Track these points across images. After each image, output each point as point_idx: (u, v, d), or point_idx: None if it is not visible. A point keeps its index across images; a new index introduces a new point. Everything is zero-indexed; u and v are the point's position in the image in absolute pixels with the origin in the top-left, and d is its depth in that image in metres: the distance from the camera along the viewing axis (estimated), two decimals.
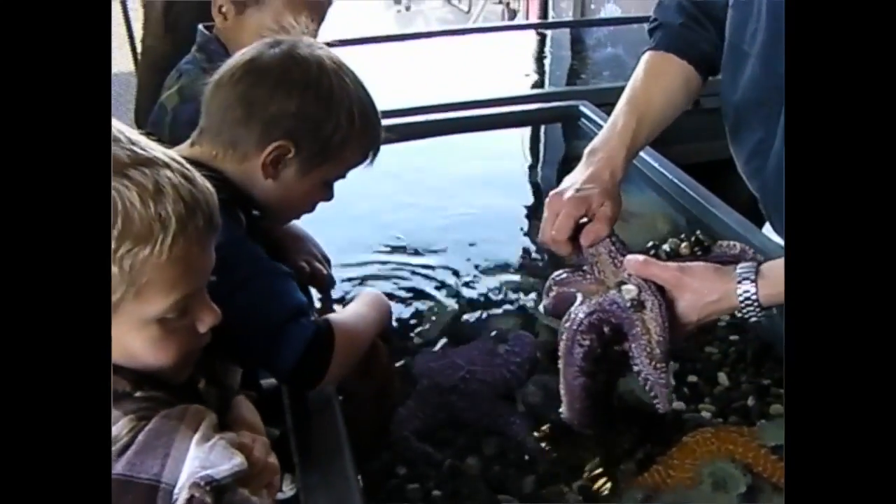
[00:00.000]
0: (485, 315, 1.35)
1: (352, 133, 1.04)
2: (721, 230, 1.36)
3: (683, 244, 1.03)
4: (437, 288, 1.43)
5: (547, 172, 1.96)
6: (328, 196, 1.11)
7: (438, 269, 1.49)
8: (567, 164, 1.46)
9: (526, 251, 1.57)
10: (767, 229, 1.35)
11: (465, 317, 1.36)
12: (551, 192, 1.07)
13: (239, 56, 1.04)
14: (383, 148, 1.12)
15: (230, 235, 0.83)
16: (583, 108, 1.83)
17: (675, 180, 1.53)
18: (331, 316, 1.03)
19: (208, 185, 0.76)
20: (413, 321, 1.35)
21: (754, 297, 0.92)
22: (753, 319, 0.94)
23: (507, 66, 2.70)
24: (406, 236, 1.59)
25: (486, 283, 1.44)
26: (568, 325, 0.97)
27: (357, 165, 1.10)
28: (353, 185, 1.14)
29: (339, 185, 1.12)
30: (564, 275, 1.04)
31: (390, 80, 2.08)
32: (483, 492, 1.04)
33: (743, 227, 1.36)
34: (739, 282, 0.92)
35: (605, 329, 0.95)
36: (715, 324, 1.30)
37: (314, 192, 1.09)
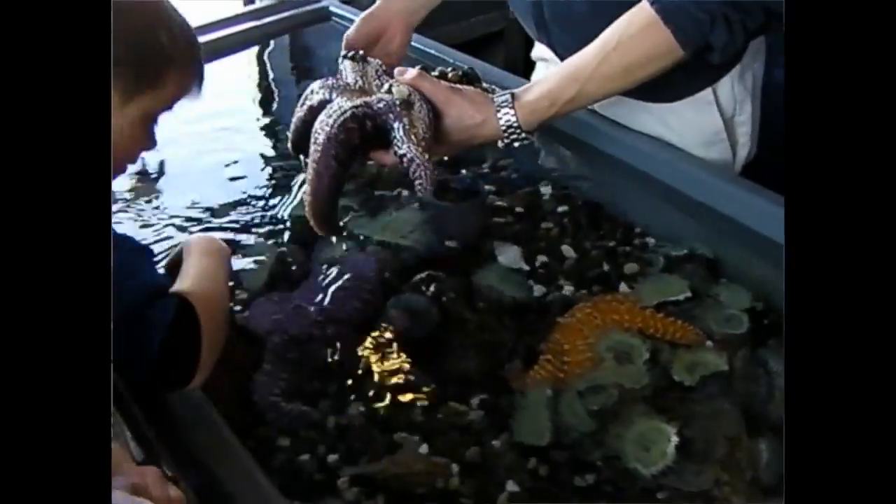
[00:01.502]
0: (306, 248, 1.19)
1: (174, 56, 0.86)
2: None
3: (451, 71, 1.05)
4: (240, 227, 1.25)
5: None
6: (150, 141, 0.91)
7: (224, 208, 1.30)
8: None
9: None
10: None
11: (276, 248, 1.19)
12: None
13: None
14: None
15: None
16: (332, 8, 1.67)
17: None
18: (181, 287, 0.83)
19: None
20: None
21: (514, 121, 0.99)
22: (517, 144, 1.01)
23: None
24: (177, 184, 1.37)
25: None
26: (331, 114, 0.94)
27: (182, 96, 0.90)
28: None
29: None
30: (318, 85, 1.01)
31: None
32: (378, 438, 0.92)
33: None
34: (498, 109, 0.99)
35: (368, 124, 0.94)
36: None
37: (135, 133, 0.88)
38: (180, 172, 1.42)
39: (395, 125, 0.94)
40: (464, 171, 1.32)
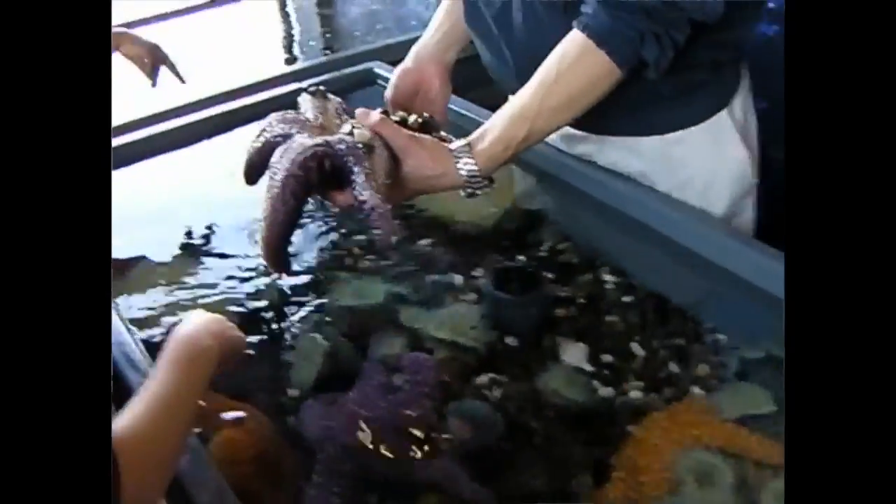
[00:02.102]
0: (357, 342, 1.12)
1: None
2: None
3: (413, 118, 1.07)
4: (279, 315, 1.18)
5: None
6: None
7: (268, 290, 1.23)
8: None
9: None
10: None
11: (326, 342, 1.11)
12: None
13: None
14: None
15: None
16: (377, 70, 1.61)
17: None
18: (117, 424, 0.69)
19: None
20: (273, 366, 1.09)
21: (476, 170, 1.00)
22: (481, 192, 1.03)
23: (245, 40, 2.38)
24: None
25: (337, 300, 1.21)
26: (290, 151, 0.94)
27: None
28: None
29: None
30: (277, 119, 1.01)
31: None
32: None
33: None
34: (457, 159, 1.00)
35: (327, 164, 0.93)
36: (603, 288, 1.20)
37: None
38: (221, 242, 1.36)
39: (356, 169, 0.93)
40: (522, 258, 1.26)
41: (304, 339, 1.10)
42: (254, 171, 1.04)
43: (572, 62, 1.00)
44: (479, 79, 1.31)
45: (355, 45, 2.26)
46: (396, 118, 1.05)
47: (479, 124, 1.42)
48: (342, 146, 0.94)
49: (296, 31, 2.45)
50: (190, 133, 1.53)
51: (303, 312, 1.16)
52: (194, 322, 0.85)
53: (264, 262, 1.00)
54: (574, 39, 1.00)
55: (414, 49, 1.27)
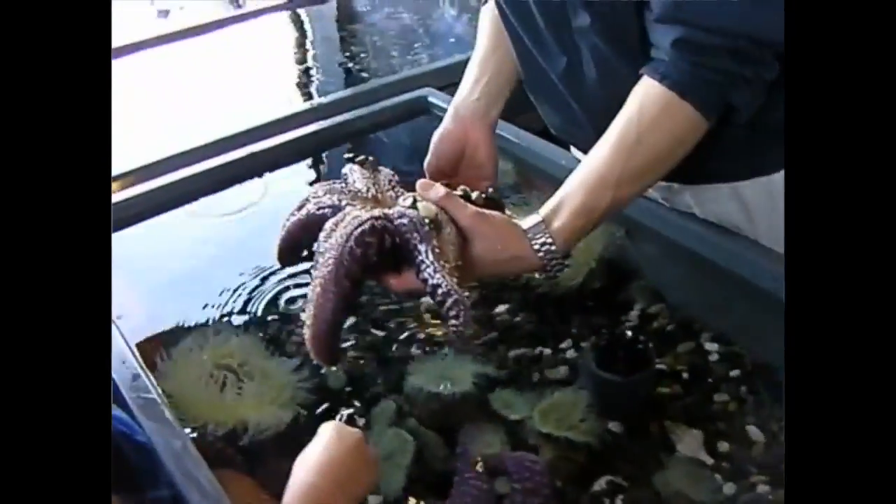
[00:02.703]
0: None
1: None
2: None
3: (476, 193, 0.93)
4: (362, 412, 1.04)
5: None
6: None
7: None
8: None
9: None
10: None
11: (411, 438, 0.98)
12: None
13: None
14: None
15: None
16: (431, 99, 1.48)
17: None
18: None
19: None
20: None
21: (553, 249, 0.87)
22: (559, 272, 0.89)
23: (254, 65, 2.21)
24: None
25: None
26: (345, 224, 0.82)
27: None
28: None
29: None
30: (323, 189, 0.90)
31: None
32: None
33: None
34: (532, 240, 0.87)
35: (387, 240, 0.82)
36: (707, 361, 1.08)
37: None
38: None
39: (422, 248, 0.81)
40: (614, 324, 1.13)
41: (387, 436, 0.97)
42: (292, 249, 0.92)
43: (654, 119, 0.88)
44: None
45: (382, 67, 2.10)
46: (459, 193, 0.92)
47: (529, 153, 1.33)
48: (404, 220, 0.82)
49: (311, 56, 2.27)
50: (222, 176, 1.38)
51: (381, 402, 1.03)
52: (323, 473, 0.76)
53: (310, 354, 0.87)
54: (650, 92, 0.88)
55: (453, 107, 1.11)
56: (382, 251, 0.82)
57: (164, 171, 1.33)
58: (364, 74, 2.02)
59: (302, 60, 2.21)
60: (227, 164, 1.38)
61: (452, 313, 0.78)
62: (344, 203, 0.87)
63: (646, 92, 0.89)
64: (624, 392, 1.01)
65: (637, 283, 1.19)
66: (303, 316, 0.84)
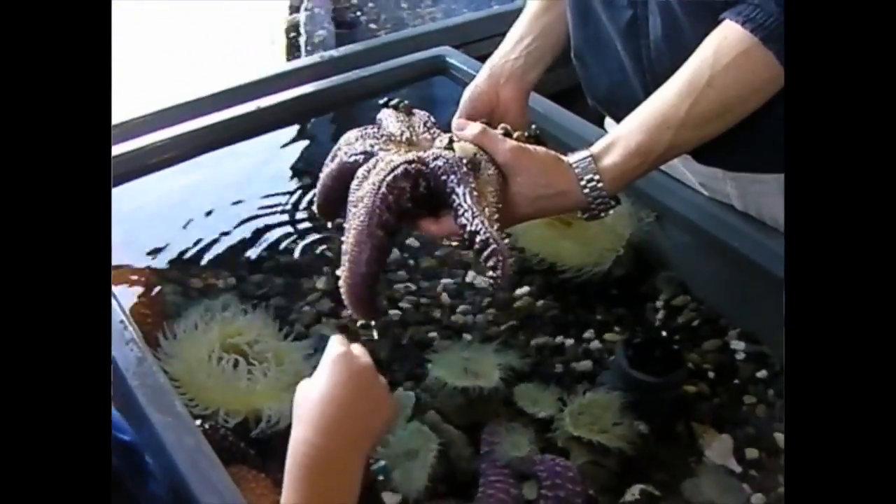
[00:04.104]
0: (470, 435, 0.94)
1: None
2: None
3: (517, 133, 0.88)
4: None
5: None
6: None
7: None
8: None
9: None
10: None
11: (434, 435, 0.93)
12: None
13: None
14: None
15: None
16: (450, 59, 1.39)
17: None
18: None
19: None
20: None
21: (601, 186, 0.82)
22: (603, 214, 0.85)
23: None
24: None
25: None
26: (377, 171, 0.79)
27: None
28: None
29: None
30: (355, 135, 0.86)
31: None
32: None
33: None
34: (580, 176, 0.82)
35: (422, 184, 0.78)
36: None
37: None
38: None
39: (460, 190, 0.77)
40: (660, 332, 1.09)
41: (407, 432, 0.92)
42: (331, 202, 0.87)
43: (729, 63, 0.81)
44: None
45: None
46: (500, 130, 0.86)
47: (565, 131, 1.25)
48: (440, 162, 0.78)
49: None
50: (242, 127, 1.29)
51: (399, 393, 0.97)
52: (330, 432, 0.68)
53: (348, 310, 0.83)
54: (730, 35, 0.82)
55: (488, 65, 1.05)
56: (417, 197, 0.78)
57: (161, 125, 1.24)
58: (372, 26, 1.92)
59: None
60: (228, 120, 1.29)
61: (490, 263, 0.74)
62: (377, 149, 0.82)
63: (724, 34, 0.82)
64: (657, 393, 0.97)
65: (664, 274, 1.15)
66: (338, 271, 0.81)
